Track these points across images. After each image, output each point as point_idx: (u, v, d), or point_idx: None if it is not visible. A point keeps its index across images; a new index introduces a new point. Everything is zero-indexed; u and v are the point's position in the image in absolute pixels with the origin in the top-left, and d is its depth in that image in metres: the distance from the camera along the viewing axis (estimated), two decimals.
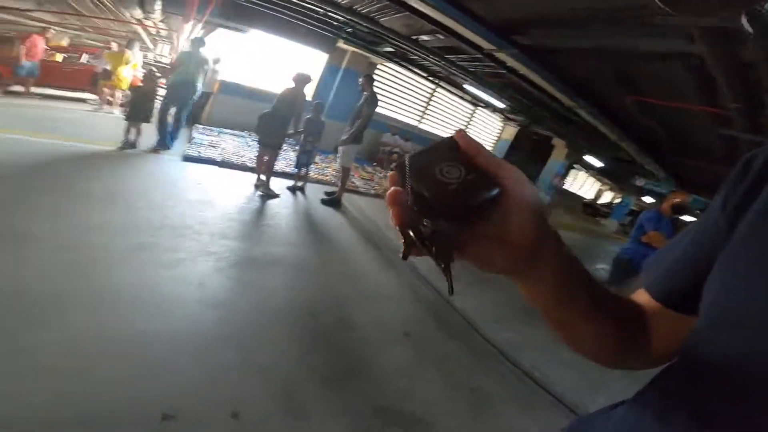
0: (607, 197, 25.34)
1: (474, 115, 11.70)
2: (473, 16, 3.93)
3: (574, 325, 0.40)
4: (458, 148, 0.35)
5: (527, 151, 13.11)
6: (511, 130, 12.40)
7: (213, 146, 5.77)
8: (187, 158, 4.96)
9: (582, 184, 23.34)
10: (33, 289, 1.92)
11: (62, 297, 1.92)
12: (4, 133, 4.11)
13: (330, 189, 5.37)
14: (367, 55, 7.89)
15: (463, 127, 11.42)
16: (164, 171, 4.42)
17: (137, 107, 4.84)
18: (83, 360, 1.60)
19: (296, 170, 5.17)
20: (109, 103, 7.08)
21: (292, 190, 5.07)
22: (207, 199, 3.83)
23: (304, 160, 5.03)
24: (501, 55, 4.71)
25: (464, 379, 2.26)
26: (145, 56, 15.28)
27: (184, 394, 1.58)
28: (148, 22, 7.51)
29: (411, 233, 0.33)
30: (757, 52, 2.36)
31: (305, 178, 5.23)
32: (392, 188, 0.34)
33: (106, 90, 7.07)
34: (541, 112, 7.49)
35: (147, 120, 4.96)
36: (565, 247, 0.36)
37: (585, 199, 20.38)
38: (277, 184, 4.84)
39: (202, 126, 6.97)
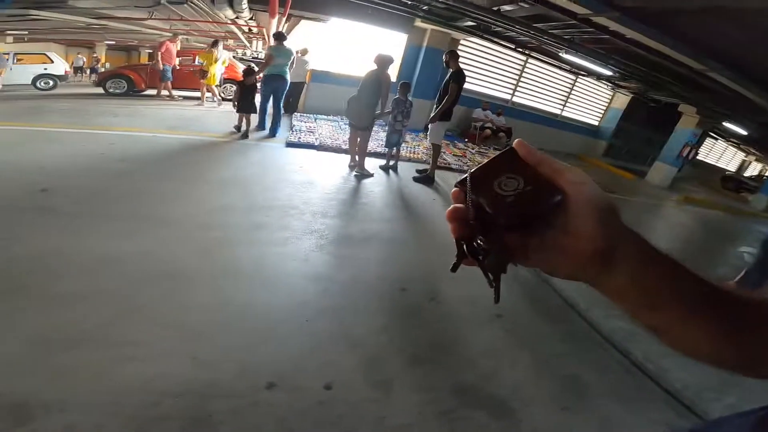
0: (754, 169, 20.92)
1: (576, 84, 10.58)
2: None
3: (672, 330, 0.35)
4: (519, 158, 0.35)
5: (644, 119, 11.42)
6: (623, 98, 10.91)
7: (311, 132, 6.25)
8: (290, 144, 5.50)
9: (721, 155, 19.56)
10: (174, 264, 2.35)
11: (193, 272, 2.31)
12: (132, 131, 5.01)
13: (421, 167, 5.46)
14: (447, 31, 7.65)
15: (562, 98, 10.55)
16: (271, 157, 4.94)
17: (243, 100, 5.56)
18: (209, 340, 1.93)
19: (387, 150, 5.33)
20: (209, 99, 8.06)
21: (385, 169, 5.26)
22: (309, 181, 4.21)
23: (394, 140, 5.16)
24: (600, 20, 4.19)
25: (558, 365, 2.16)
26: (243, 53, 16.64)
27: (286, 364, 1.78)
28: (239, 21, 8.23)
29: (464, 246, 0.36)
30: None
31: (396, 157, 5.40)
32: (452, 205, 0.37)
33: (205, 87, 8.03)
34: (661, 78, 6.43)
35: (254, 111, 5.74)
36: (648, 248, 0.34)
37: (726, 171, 17.11)
38: (370, 164, 5.05)
39: (299, 114, 7.59)
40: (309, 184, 4.12)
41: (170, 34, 8.91)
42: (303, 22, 7.90)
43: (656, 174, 10.09)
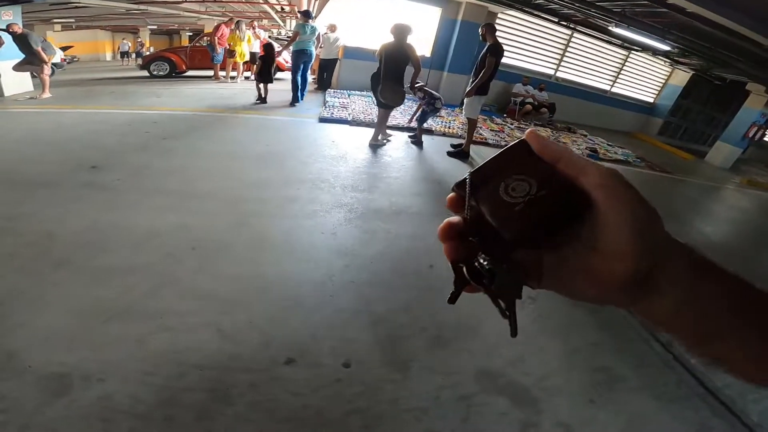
0: None
1: (628, 59, 9.78)
2: None
3: (736, 360, 0.28)
4: (531, 153, 0.28)
5: (706, 97, 10.45)
6: (683, 75, 10.00)
7: (344, 107, 6.21)
8: (323, 119, 5.51)
9: None
10: (210, 237, 2.42)
11: (226, 244, 2.38)
12: (174, 111, 5.20)
13: (456, 141, 5.31)
14: (484, 4, 7.24)
15: (613, 74, 9.78)
16: (305, 132, 4.97)
17: (261, 72, 6.21)
18: (244, 297, 1.98)
19: (417, 125, 5.25)
20: (236, 76, 8.30)
21: (415, 143, 5.13)
22: (340, 155, 4.21)
23: (425, 118, 5.07)
24: None
25: (590, 355, 2.04)
26: (278, 33, 16.77)
27: (307, 339, 1.79)
28: (272, 1, 8.17)
29: (464, 270, 0.29)
30: None
31: (421, 132, 5.24)
32: (445, 221, 0.29)
33: (233, 65, 8.28)
34: (727, 54, 5.79)
35: (270, 81, 6.29)
36: (700, 266, 0.26)
37: None
38: (398, 138, 5.01)
39: (333, 90, 7.56)
40: (340, 158, 4.12)
41: (225, 18, 9.03)
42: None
43: (717, 154, 9.29)
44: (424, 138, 5.28)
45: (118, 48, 18.48)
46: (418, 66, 4.38)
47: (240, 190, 3.09)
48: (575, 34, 8.77)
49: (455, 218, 0.29)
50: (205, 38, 9.01)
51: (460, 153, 4.92)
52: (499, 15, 7.94)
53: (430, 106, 4.99)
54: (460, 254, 0.29)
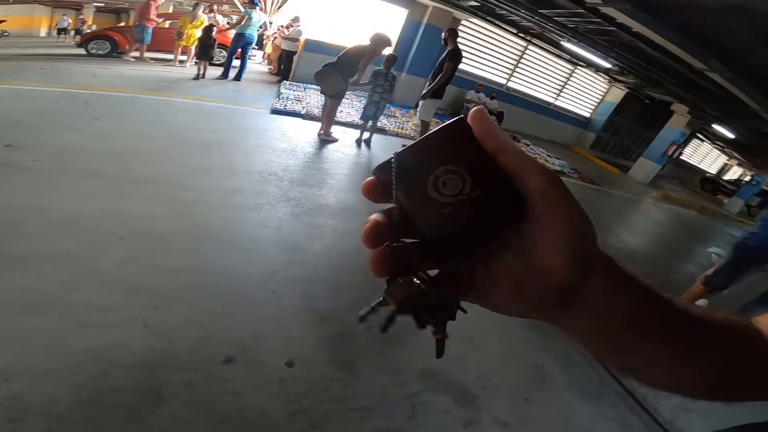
0: (733, 173, 21.47)
1: (573, 74, 10.49)
2: None
3: (642, 369, 0.29)
4: (471, 137, 0.23)
5: (635, 115, 11.51)
6: (618, 92, 10.90)
7: (298, 100, 6.04)
8: (275, 111, 5.31)
9: (704, 157, 19.96)
10: (143, 226, 2.24)
11: (162, 234, 2.21)
12: (111, 92, 4.78)
13: (409, 142, 5.30)
14: (450, 9, 7.42)
15: (558, 87, 10.48)
16: (255, 122, 4.76)
17: (201, 50, 6.68)
18: (179, 292, 1.85)
19: (362, 122, 5.06)
20: (185, 60, 7.86)
21: (358, 142, 5.00)
22: (290, 149, 4.08)
23: (369, 113, 4.85)
24: (608, 10, 4.07)
25: (525, 354, 2.16)
26: (230, 18, 16.13)
27: (248, 337, 1.71)
28: None
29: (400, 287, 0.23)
30: None
31: (372, 131, 5.09)
32: (370, 220, 0.25)
33: (181, 48, 7.85)
34: (658, 74, 6.39)
35: (209, 59, 6.67)
36: (620, 280, 0.26)
37: (706, 173, 17.50)
38: (347, 135, 4.95)
39: (289, 82, 7.33)
40: (290, 152, 4.00)
41: None
42: None
43: (639, 170, 10.28)
44: (377, 137, 5.23)
45: (56, 24, 16.70)
46: (362, 70, 4.39)
47: (180, 177, 2.88)
48: (530, 47, 9.23)
49: (381, 215, 0.25)
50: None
51: None
52: (463, 22, 8.15)
53: (370, 98, 4.74)
54: (393, 266, 0.24)
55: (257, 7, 6.64)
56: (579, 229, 0.23)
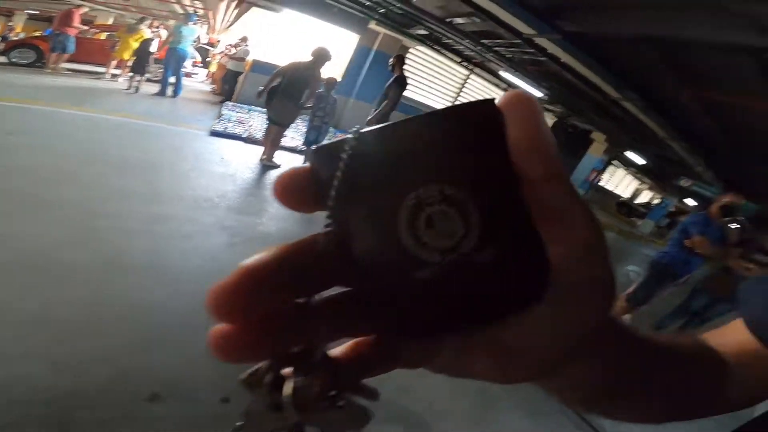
0: (645, 197, 24.15)
1: None
2: None
3: (615, 410, 0.28)
4: (498, 142, 0.14)
5: (561, 143, 12.54)
6: (548, 122, 11.88)
7: (241, 123, 5.84)
8: (214, 133, 5.05)
9: (619, 182, 22.29)
10: (54, 253, 1.97)
11: (80, 262, 1.97)
12: (29, 104, 4.32)
13: None
14: (400, 37, 7.67)
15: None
16: (192, 144, 4.49)
17: (135, 63, 6.56)
18: (91, 326, 1.63)
19: (305, 147, 4.91)
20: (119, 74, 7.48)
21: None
22: (229, 174, 3.87)
23: (312, 137, 4.70)
24: (542, 41, 4.42)
25: (470, 380, 2.15)
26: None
27: (178, 373, 1.56)
28: (185, 1, 7.64)
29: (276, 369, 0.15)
30: None
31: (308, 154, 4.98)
32: (254, 261, 0.15)
33: (114, 62, 7.47)
34: (582, 103, 7.08)
35: (142, 74, 6.52)
36: (618, 341, 0.23)
37: (621, 197, 19.46)
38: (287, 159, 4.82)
39: (232, 103, 7.10)
40: (228, 177, 3.78)
41: (92, 6, 8.13)
42: (254, 9, 7.52)
43: None
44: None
45: None
46: (312, 94, 4.37)
47: (98, 200, 2.59)
48: (472, 75, 9.72)
49: (266, 257, 0.15)
50: (91, 30, 8.02)
51: None
52: (411, 49, 8.44)
53: (311, 122, 4.61)
54: (285, 346, 0.15)
55: (191, 22, 6.62)
56: (603, 306, 0.17)
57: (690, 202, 13.17)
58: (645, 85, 4.83)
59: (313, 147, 0.14)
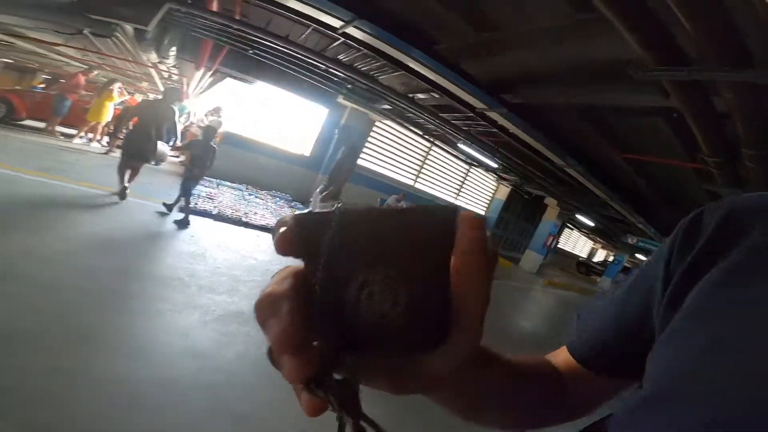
0: (601, 255, 25.39)
1: (468, 174, 11.94)
2: (465, 75, 4.12)
3: (485, 419, 0.37)
4: (447, 242, 0.19)
5: (519, 210, 13.27)
6: (505, 190, 12.60)
7: (210, 198, 5.82)
8: (183, 210, 4.93)
9: (576, 243, 23.50)
10: (8, 325, 1.86)
11: (46, 337, 1.90)
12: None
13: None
14: (366, 111, 8.07)
15: (457, 187, 11.80)
16: (158, 221, 4.41)
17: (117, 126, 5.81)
18: (57, 406, 1.54)
19: (181, 197, 4.55)
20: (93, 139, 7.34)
21: (180, 223, 4.41)
22: (199, 252, 3.81)
23: (190, 186, 4.51)
24: (492, 114, 4.86)
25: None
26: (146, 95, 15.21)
27: None
28: (162, 66, 7.87)
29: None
30: (730, 101, 2.36)
31: (187, 210, 4.54)
32: (282, 283, 0.21)
33: (92, 126, 7.31)
34: (533, 171, 7.66)
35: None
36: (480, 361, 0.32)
37: (579, 257, 20.43)
38: (260, 240, 4.72)
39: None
40: (198, 256, 3.72)
41: (85, 66, 8.09)
42: (227, 79, 7.77)
43: (527, 261, 11.62)
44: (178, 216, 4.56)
45: None
46: (170, 131, 4.65)
47: (56, 273, 2.52)
48: (433, 148, 10.25)
49: (285, 287, 0.20)
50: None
51: None
52: (377, 123, 8.92)
53: (189, 171, 4.44)
54: (314, 365, 0.20)
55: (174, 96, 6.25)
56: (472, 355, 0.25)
57: (641, 256, 14.06)
58: (582, 151, 5.42)
59: (302, 212, 0.20)
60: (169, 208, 4.63)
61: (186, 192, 4.47)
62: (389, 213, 0.19)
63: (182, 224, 4.41)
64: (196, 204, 5.16)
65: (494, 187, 12.97)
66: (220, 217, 5.17)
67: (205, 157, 4.51)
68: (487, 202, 13.14)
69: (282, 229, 0.20)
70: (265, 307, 0.21)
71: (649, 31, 2.13)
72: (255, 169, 7.67)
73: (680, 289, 0.30)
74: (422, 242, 0.18)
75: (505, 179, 11.40)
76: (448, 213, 0.18)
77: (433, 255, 0.19)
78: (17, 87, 10.98)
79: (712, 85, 2.41)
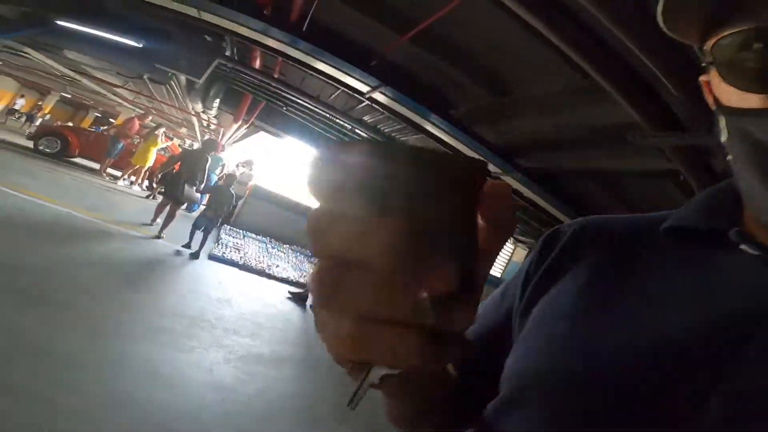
0: None
1: None
2: (480, 139, 4.23)
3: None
4: (467, 206, 0.16)
5: None
6: (521, 252, 12.53)
7: (237, 248, 6.09)
8: (212, 257, 5.28)
9: None
10: (63, 352, 2.07)
11: (78, 355, 2.10)
12: (45, 201, 4.55)
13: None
14: None
15: None
16: (191, 267, 4.71)
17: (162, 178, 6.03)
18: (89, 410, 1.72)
19: (191, 231, 4.99)
20: (135, 182, 7.69)
21: (192, 255, 4.87)
22: (225, 298, 4.04)
23: (200, 224, 4.95)
24: (507, 179, 5.10)
25: None
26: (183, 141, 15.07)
27: None
28: (203, 116, 8.47)
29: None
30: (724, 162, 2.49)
31: (199, 244, 4.96)
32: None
33: (135, 170, 7.63)
34: (539, 230, 7.70)
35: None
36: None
37: None
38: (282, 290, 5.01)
39: (229, 227, 7.32)
40: (225, 302, 3.95)
41: (134, 109, 8.69)
42: (261, 132, 8.25)
43: None
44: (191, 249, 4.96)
45: (12, 102, 15.61)
46: (202, 175, 5.23)
47: (101, 305, 2.79)
48: None
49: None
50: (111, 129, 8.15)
51: (296, 297, 4.85)
52: None
53: (204, 211, 5.04)
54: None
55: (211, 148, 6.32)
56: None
57: None
58: (593, 213, 5.48)
59: (327, 144, 0.16)
60: (195, 255, 4.93)
61: (196, 227, 4.95)
62: (425, 152, 0.15)
63: (194, 256, 4.87)
64: (224, 254, 5.47)
65: (512, 250, 12.91)
66: (245, 267, 5.42)
67: (222, 201, 4.99)
68: (504, 264, 13.03)
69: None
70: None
71: (642, 98, 2.37)
72: (279, 223, 7.84)
73: (534, 297, 0.32)
74: (456, 186, 0.15)
75: (521, 242, 11.37)
76: (483, 163, 0.16)
77: (461, 204, 0.16)
78: (70, 123, 11.64)
79: (709, 148, 2.58)
